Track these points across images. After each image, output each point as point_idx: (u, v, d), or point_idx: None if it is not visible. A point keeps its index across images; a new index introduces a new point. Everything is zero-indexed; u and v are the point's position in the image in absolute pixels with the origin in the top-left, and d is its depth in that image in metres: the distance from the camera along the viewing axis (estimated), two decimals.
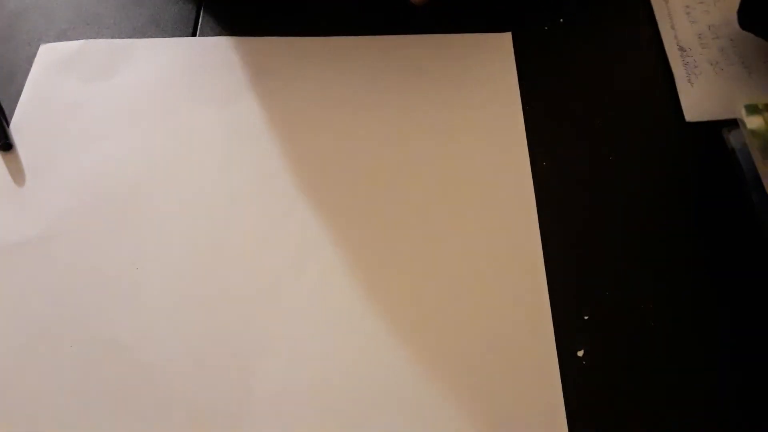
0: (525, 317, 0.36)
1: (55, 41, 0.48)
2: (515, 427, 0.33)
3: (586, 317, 0.37)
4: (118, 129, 0.44)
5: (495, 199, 0.40)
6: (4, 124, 0.44)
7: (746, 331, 0.36)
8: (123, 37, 0.48)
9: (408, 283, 0.37)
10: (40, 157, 0.43)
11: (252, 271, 0.38)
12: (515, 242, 0.39)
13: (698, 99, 0.43)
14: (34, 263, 0.39)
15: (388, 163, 0.42)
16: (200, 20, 0.49)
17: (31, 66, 0.46)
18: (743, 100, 0.42)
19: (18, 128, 0.44)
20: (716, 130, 0.42)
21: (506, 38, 0.47)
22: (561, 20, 0.48)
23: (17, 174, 0.42)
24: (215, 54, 0.47)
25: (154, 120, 0.44)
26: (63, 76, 0.46)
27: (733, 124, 0.42)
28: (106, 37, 0.48)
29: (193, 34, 0.48)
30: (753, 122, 0.39)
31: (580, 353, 0.35)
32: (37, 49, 0.47)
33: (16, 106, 0.45)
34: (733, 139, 0.41)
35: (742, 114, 0.40)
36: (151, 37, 0.48)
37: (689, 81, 0.44)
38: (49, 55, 0.47)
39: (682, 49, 0.46)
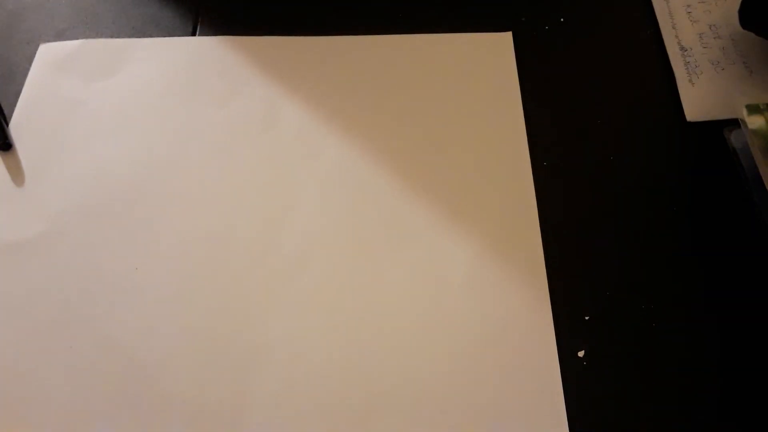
0: (526, 317, 0.36)
1: (54, 41, 0.48)
2: (515, 427, 0.33)
3: (586, 317, 0.36)
4: (117, 129, 0.44)
5: (495, 199, 0.40)
6: (4, 123, 0.43)
7: (747, 331, 0.36)
8: (122, 37, 0.48)
9: (408, 284, 0.37)
10: (40, 156, 0.43)
11: (252, 271, 0.38)
12: (516, 242, 0.38)
13: (699, 99, 0.43)
14: (34, 263, 0.39)
15: (388, 163, 0.42)
16: (200, 20, 0.49)
17: (30, 66, 0.46)
18: (744, 100, 0.42)
19: (17, 128, 0.44)
20: (717, 130, 0.42)
21: (506, 38, 0.47)
22: (561, 20, 0.48)
23: (17, 174, 0.42)
24: (215, 54, 0.47)
25: (154, 119, 0.44)
26: (62, 75, 0.46)
27: (735, 123, 0.42)
28: (106, 37, 0.48)
29: (193, 34, 0.48)
30: (754, 122, 0.39)
31: (581, 353, 0.35)
32: (36, 48, 0.47)
33: (15, 105, 0.45)
34: (734, 138, 0.41)
35: (744, 114, 0.40)
36: (151, 36, 0.48)
37: (690, 81, 0.44)
38: (48, 54, 0.47)
39: (683, 48, 0.46)
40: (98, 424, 0.34)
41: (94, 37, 0.48)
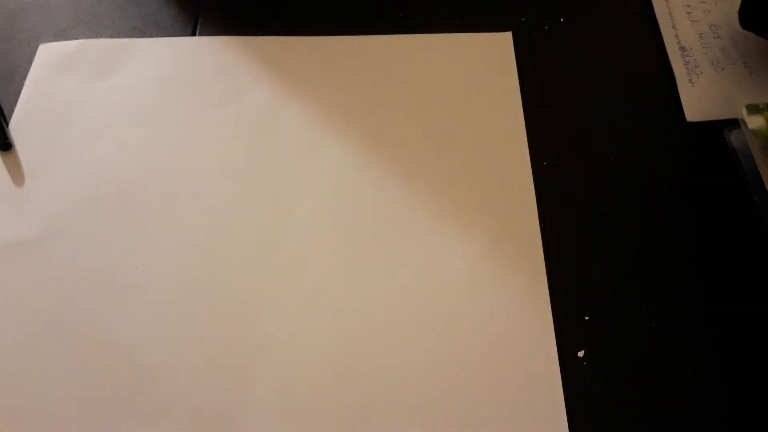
0: (526, 318, 0.36)
1: (54, 41, 0.48)
2: (516, 427, 0.33)
3: (586, 318, 0.36)
4: (117, 129, 0.44)
5: (495, 199, 0.40)
6: (4, 124, 0.43)
7: (747, 331, 0.36)
8: (122, 37, 0.48)
9: (408, 283, 0.37)
10: (40, 156, 0.43)
11: (252, 272, 0.38)
12: (516, 242, 0.38)
13: (699, 99, 0.43)
14: (33, 263, 0.39)
15: (388, 163, 0.42)
16: (200, 20, 0.49)
17: (30, 66, 0.46)
18: (744, 100, 0.42)
19: (17, 128, 0.44)
20: (717, 130, 0.42)
21: (506, 38, 0.47)
22: (561, 20, 0.48)
23: (16, 174, 0.42)
24: (215, 54, 0.47)
25: (154, 119, 0.44)
26: (62, 75, 0.46)
27: (735, 123, 0.42)
28: (106, 37, 0.48)
29: (193, 34, 0.48)
30: (754, 122, 0.39)
31: (581, 354, 0.35)
32: (36, 48, 0.47)
33: (15, 105, 0.45)
34: (734, 139, 0.41)
35: (744, 114, 0.40)
36: (151, 36, 0.48)
37: (690, 81, 0.44)
38: (48, 54, 0.47)
39: (682, 48, 0.46)
40: (98, 424, 0.34)
41: (94, 37, 0.48)
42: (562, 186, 0.41)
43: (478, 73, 0.45)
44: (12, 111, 0.44)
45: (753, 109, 0.40)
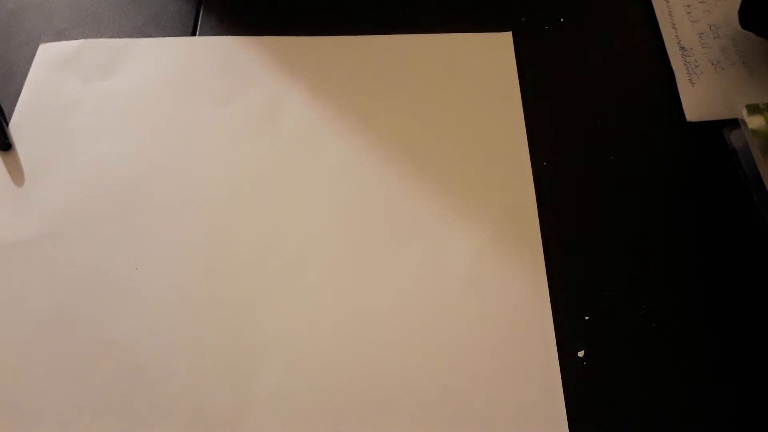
0: (526, 318, 0.36)
1: (54, 41, 0.48)
2: (516, 426, 0.33)
3: (586, 317, 0.36)
4: (117, 129, 0.44)
5: (495, 199, 0.40)
6: (4, 124, 0.43)
7: (747, 331, 0.36)
8: (122, 37, 0.48)
9: (408, 283, 0.37)
10: (40, 156, 0.43)
11: (252, 271, 0.38)
12: (516, 242, 0.38)
13: (699, 99, 0.43)
14: (34, 263, 0.39)
15: (388, 163, 0.42)
16: (200, 20, 0.49)
17: (30, 66, 0.46)
18: (744, 100, 0.42)
19: (17, 128, 0.44)
20: (717, 130, 0.42)
21: (506, 38, 0.47)
22: (561, 20, 0.48)
23: (16, 174, 0.42)
24: (215, 54, 0.47)
25: (154, 119, 0.44)
26: (62, 75, 0.46)
27: (735, 123, 0.42)
28: (106, 37, 0.48)
29: (193, 34, 0.48)
30: (754, 122, 0.39)
31: (581, 353, 0.35)
32: (36, 48, 0.47)
33: (15, 105, 0.45)
34: (734, 139, 0.41)
35: (744, 114, 0.40)
36: (151, 36, 0.48)
37: (690, 81, 0.44)
38: (48, 54, 0.47)
39: (682, 48, 0.46)
40: (98, 424, 0.34)
41: (94, 37, 0.48)
42: (562, 186, 0.41)
43: (478, 73, 0.45)
44: (12, 111, 0.44)
45: (753, 109, 0.40)
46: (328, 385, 0.35)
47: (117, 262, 0.39)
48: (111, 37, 0.48)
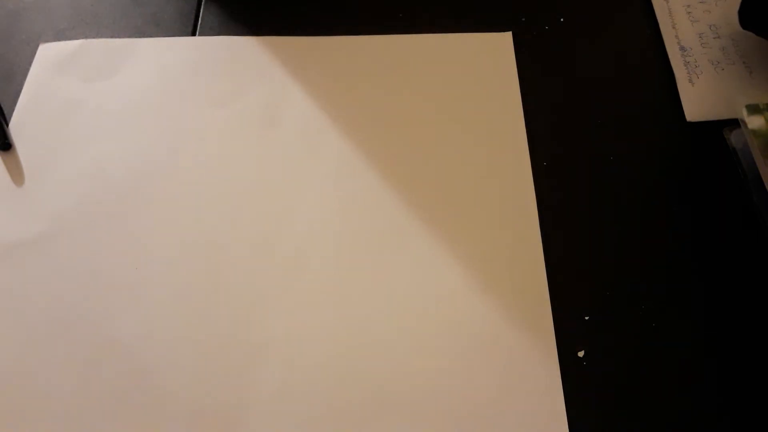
0: (526, 318, 0.36)
1: (54, 41, 0.48)
2: (515, 426, 0.33)
3: (586, 317, 0.36)
4: (117, 129, 0.44)
5: (495, 199, 0.40)
6: (4, 123, 0.43)
7: (747, 331, 0.36)
8: (122, 37, 0.48)
9: (408, 283, 0.37)
10: (40, 156, 0.43)
11: (252, 271, 0.38)
12: (516, 242, 0.38)
13: (699, 99, 0.43)
14: (34, 263, 0.39)
15: (388, 162, 0.42)
16: (200, 20, 0.49)
17: (30, 65, 0.46)
18: (744, 100, 0.42)
19: (17, 128, 0.44)
20: (717, 129, 0.42)
21: (506, 38, 0.47)
22: (561, 20, 0.48)
23: (16, 174, 0.42)
24: (215, 54, 0.47)
25: (154, 119, 0.44)
26: (62, 75, 0.46)
27: (734, 123, 0.42)
28: (106, 37, 0.48)
29: (193, 34, 0.48)
30: (754, 122, 0.39)
31: (581, 353, 0.35)
32: (36, 48, 0.47)
33: (15, 105, 0.45)
34: (734, 138, 0.41)
35: (743, 114, 0.40)
36: (151, 36, 0.48)
37: (690, 81, 0.44)
38: (48, 54, 0.47)
39: (682, 48, 0.46)
40: (98, 424, 0.34)
41: (94, 37, 0.48)
42: (562, 186, 0.41)
43: (478, 73, 0.45)
44: (12, 111, 0.44)
45: (753, 109, 0.40)
46: (327, 385, 0.35)
47: (117, 262, 0.39)
48: (111, 37, 0.48)
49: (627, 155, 0.42)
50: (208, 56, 0.46)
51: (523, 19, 0.48)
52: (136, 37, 0.48)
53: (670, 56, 0.45)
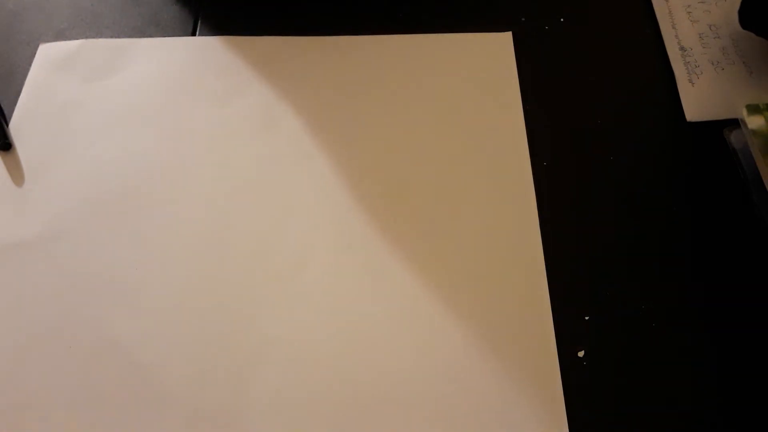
0: (525, 318, 0.36)
1: (54, 41, 0.48)
2: (515, 427, 0.33)
3: (586, 317, 0.36)
4: (117, 129, 0.44)
5: (495, 199, 0.40)
6: (4, 124, 0.43)
7: (747, 331, 0.36)
8: (122, 37, 0.48)
9: (407, 285, 0.37)
10: (40, 157, 0.43)
11: (251, 272, 0.38)
12: (516, 242, 0.38)
13: (699, 99, 0.43)
14: (33, 263, 0.39)
15: (388, 163, 0.42)
16: (200, 20, 0.49)
17: (30, 66, 0.46)
18: (744, 100, 0.42)
19: (17, 128, 0.44)
20: (717, 130, 0.42)
21: (506, 38, 0.47)
22: (561, 20, 0.48)
23: (16, 174, 0.42)
24: (215, 54, 0.47)
25: (154, 120, 0.44)
26: (62, 75, 0.46)
27: (735, 123, 0.42)
28: (106, 37, 0.48)
29: (193, 34, 0.48)
30: (754, 122, 0.39)
31: (581, 353, 0.35)
32: (36, 48, 0.47)
33: (15, 106, 0.45)
34: (734, 139, 0.41)
35: (744, 114, 0.40)
36: (151, 36, 0.48)
37: (690, 81, 0.44)
38: (48, 54, 0.47)
39: (682, 48, 0.46)
40: (98, 424, 0.34)
41: (94, 37, 0.48)
42: (562, 186, 0.41)
43: (478, 73, 0.45)
44: (12, 111, 0.44)
45: (753, 109, 0.40)
46: (327, 386, 0.35)
47: (117, 262, 0.39)
48: (111, 37, 0.48)
49: (627, 155, 0.42)
50: (207, 56, 0.46)
51: (523, 19, 0.48)
52: (136, 37, 0.48)
53: (670, 56, 0.46)
